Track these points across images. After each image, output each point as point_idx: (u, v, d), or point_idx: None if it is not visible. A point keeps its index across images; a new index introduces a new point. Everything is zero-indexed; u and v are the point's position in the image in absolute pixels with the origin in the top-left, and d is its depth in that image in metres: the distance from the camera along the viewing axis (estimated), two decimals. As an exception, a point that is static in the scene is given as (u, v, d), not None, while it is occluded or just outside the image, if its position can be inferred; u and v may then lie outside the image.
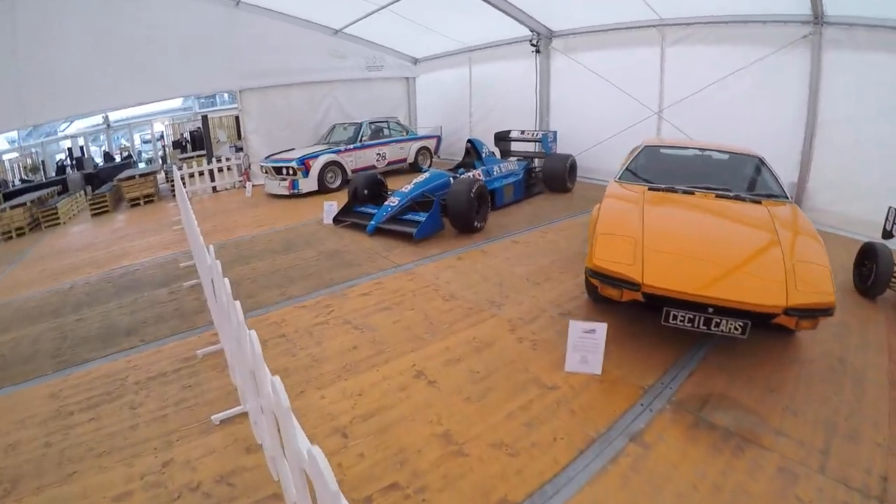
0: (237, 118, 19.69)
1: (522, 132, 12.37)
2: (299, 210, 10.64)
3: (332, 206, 9.19)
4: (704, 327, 3.89)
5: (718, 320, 3.82)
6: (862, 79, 7.63)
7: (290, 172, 11.69)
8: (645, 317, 4.69)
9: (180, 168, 12.84)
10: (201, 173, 13.25)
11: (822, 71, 8.07)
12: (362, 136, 12.93)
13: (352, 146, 12.68)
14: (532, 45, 12.54)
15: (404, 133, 14.23)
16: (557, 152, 11.71)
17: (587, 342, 4.02)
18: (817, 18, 7.92)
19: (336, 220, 9.05)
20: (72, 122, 22.14)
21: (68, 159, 21.25)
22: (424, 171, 9.21)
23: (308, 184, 11.81)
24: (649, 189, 5.45)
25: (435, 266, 6.73)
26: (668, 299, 3.98)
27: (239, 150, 14.31)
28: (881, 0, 7.08)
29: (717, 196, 5.18)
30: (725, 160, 6.07)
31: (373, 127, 13.40)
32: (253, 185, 12.88)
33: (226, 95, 22.49)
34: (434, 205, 7.96)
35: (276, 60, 13.51)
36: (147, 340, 5.09)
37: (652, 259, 4.14)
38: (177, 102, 23.19)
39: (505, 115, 14.04)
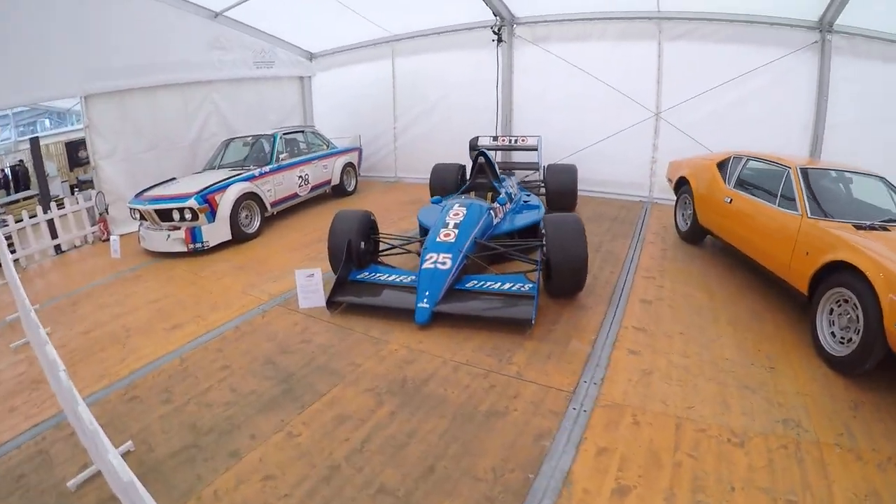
0: (67, 145, 14.23)
1: (495, 138, 9.46)
2: (223, 282, 6.47)
3: (312, 276, 5.27)
4: None
5: None
6: (862, 85, 7.47)
7: (187, 216, 7.34)
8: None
9: (3, 223, 7.77)
10: (35, 225, 8.13)
11: (831, 76, 7.62)
12: (278, 154, 8.81)
13: (268, 168, 8.55)
14: (494, 32, 9.50)
15: (325, 146, 10.27)
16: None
17: None
18: (830, 26, 7.39)
19: (331, 301, 5.21)
20: None
21: None
22: (448, 202, 5.99)
23: (216, 231, 7.56)
24: (856, 227, 4.15)
25: (622, 377, 3.86)
26: None
27: (82, 186, 9.34)
28: (877, 13, 6.97)
29: None
30: (862, 182, 5.12)
31: (287, 139, 9.32)
32: (120, 238, 8.08)
33: (47, 122, 16.38)
34: (538, 262, 5.01)
35: (136, 53, 8.86)
36: None
37: None
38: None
39: (446, 118, 10.96)
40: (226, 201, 7.61)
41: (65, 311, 6.00)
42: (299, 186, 9.23)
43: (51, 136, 14.95)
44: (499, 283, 4.98)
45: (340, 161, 10.37)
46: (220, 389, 4.07)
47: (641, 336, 4.44)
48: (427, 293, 4.80)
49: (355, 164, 10.91)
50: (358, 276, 5.49)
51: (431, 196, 8.88)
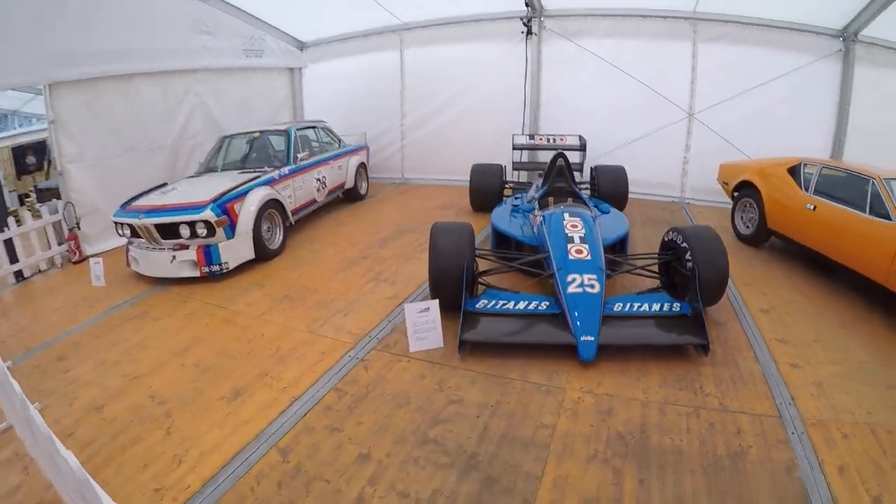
0: (13, 150, 11.67)
1: (531, 136, 8.45)
2: (270, 318, 4.77)
3: (428, 310, 3.76)
4: None
5: None
6: (881, 92, 7.35)
7: (200, 231, 5.53)
8: None
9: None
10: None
11: (853, 84, 7.53)
12: (296, 154, 7.10)
13: (287, 170, 6.82)
14: (524, 23, 8.49)
15: (336, 145, 8.58)
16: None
17: None
18: (855, 35, 7.31)
19: (463, 341, 3.76)
20: None
21: None
22: (547, 211, 5.10)
23: (236, 249, 5.79)
24: None
25: (805, 394, 3.46)
26: None
27: (42, 195, 7.24)
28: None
29: None
30: None
31: (301, 136, 7.60)
32: (100, 259, 6.07)
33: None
34: (694, 278, 4.04)
35: (111, 35, 6.83)
36: None
37: None
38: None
39: (462, 116, 9.67)
40: (246, 211, 5.84)
41: (50, 372, 4.11)
42: (317, 191, 7.51)
43: (-6, 138, 12.37)
44: (646, 305, 4.13)
45: (354, 161, 8.71)
46: (382, 496, 2.56)
47: (789, 348, 4.08)
48: (580, 322, 3.77)
49: (366, 164, 9.28)
50: (477, 306, 4.06)
51: (471, 199, 7.64)
